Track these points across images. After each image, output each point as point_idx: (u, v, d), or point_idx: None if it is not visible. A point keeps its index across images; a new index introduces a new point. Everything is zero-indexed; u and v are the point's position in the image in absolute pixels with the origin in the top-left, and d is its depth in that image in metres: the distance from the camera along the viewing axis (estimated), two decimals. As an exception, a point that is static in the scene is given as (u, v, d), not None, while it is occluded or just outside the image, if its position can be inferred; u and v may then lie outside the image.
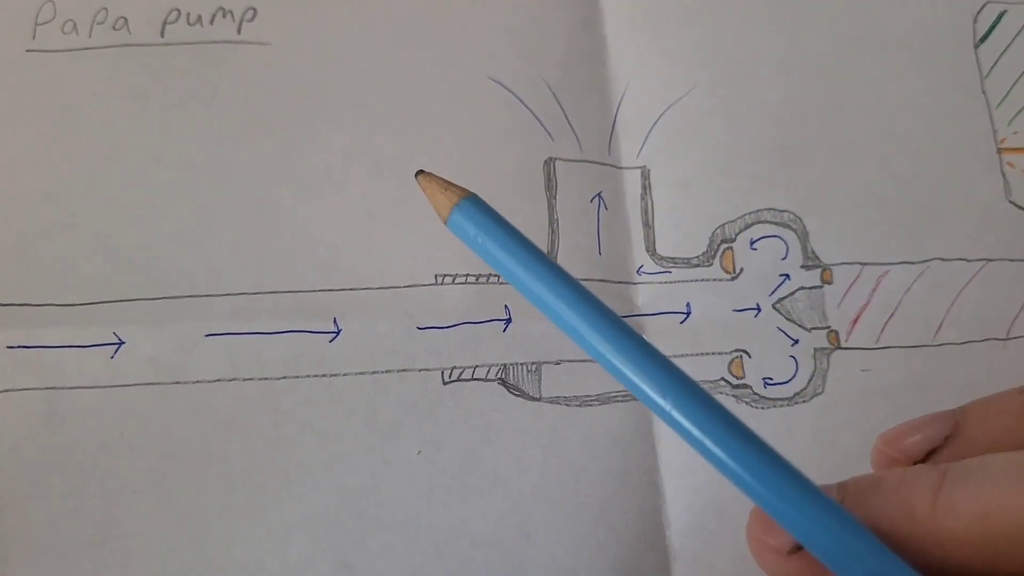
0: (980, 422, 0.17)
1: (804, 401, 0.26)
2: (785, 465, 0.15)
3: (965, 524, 0.14)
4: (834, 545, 0.14)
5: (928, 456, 0.17)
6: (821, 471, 0.16)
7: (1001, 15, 0.30)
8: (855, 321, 0.27)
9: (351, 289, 0.27)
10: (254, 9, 0.30)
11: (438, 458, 0.25)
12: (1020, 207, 0.29)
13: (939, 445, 0.17)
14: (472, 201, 0.19)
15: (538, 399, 0.26)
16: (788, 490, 0.14)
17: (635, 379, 0.16)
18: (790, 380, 0.27)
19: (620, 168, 0.29)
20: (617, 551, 0.25)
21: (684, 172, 0.29)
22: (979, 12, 0.30)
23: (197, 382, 0.26)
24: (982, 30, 0.30)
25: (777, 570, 0.16)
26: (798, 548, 0.15)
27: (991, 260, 0.28)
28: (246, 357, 0.26)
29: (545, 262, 0.18)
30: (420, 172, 0.20)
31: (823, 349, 0.27)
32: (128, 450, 0.25)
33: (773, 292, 0.28)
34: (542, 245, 0.28)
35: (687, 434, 0.15)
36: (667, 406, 0.15)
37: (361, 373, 0.26)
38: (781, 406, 0.26)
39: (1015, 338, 0.27)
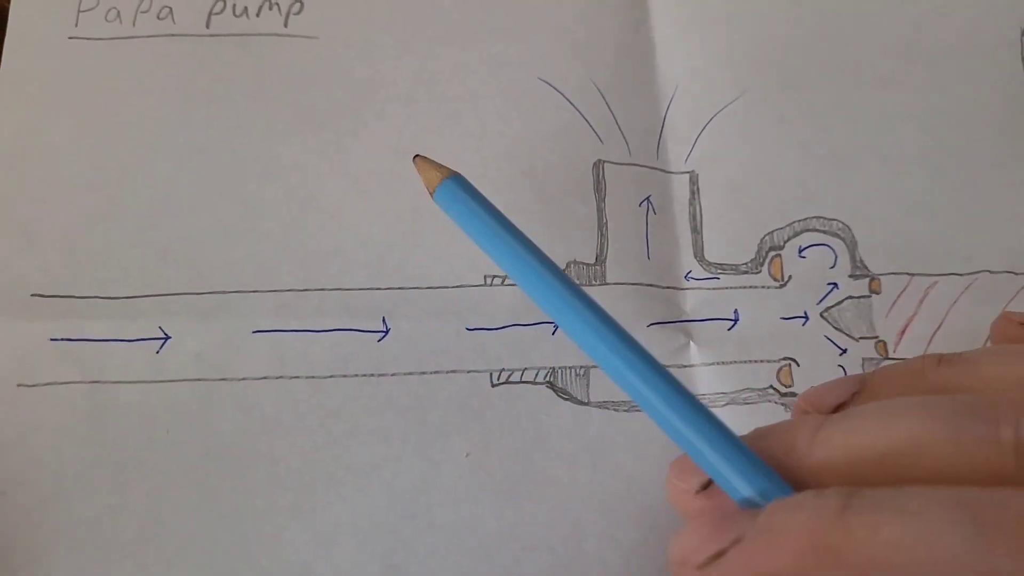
0: (882, 381, 0.19)
1: (854, 411, 0.26)
2: (701, 407, 0.17)
3: (835, 454, 0.16)
4: (730, 470, 0.16)
5: (837, 410, 0.19)
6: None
7: (1047, 29, 0.31)
8: (903, 332, 0.27)
9: (400, 288, 0.26)
10: (300, 2, 0.29)
11: (487, 461, 0.25)
12: (1065, 221, 0.29)
13: (847, 400, 0.19)
14: (456, 180, 0.21)
15: (587, 403, 0.26)
16: (703, 425, 0.17)
17: (586, 334, 0.18)
18: (839, 389, 0.27)
19: (669, 172, 0.29)
20: (666, 558, 0.25)
21: (733, 178, 0.28)
22: (1026, 25, 0.30)
23: (243, 379, 0.25)
24: (1029, 43, 0.30)
25: (688, 508, 0.18)
26: (705, 486, 0.17)
27: (1037, 273, 0.28)
28: (293, 355, 0.25)
29: (517, 236, 0.20)
30: (417, 156, 0.22)
31: (871, 359, 0.27)
32: (173, 447, 0.25)
33: (821, 301, 0.28)
34: (591, 248, 0.27)
35: (624, 381, 0.18)
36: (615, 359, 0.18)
37: (409, 373, 0.26)
38: (832, 415, 0.26)
39: (1061, 352, 0.28)
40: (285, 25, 0.29)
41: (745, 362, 0.27)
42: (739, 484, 0.16)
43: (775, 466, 0.16)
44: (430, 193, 0.22)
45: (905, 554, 0.13)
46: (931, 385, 0.17)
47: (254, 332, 0.26)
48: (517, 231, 0.20)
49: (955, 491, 0.13)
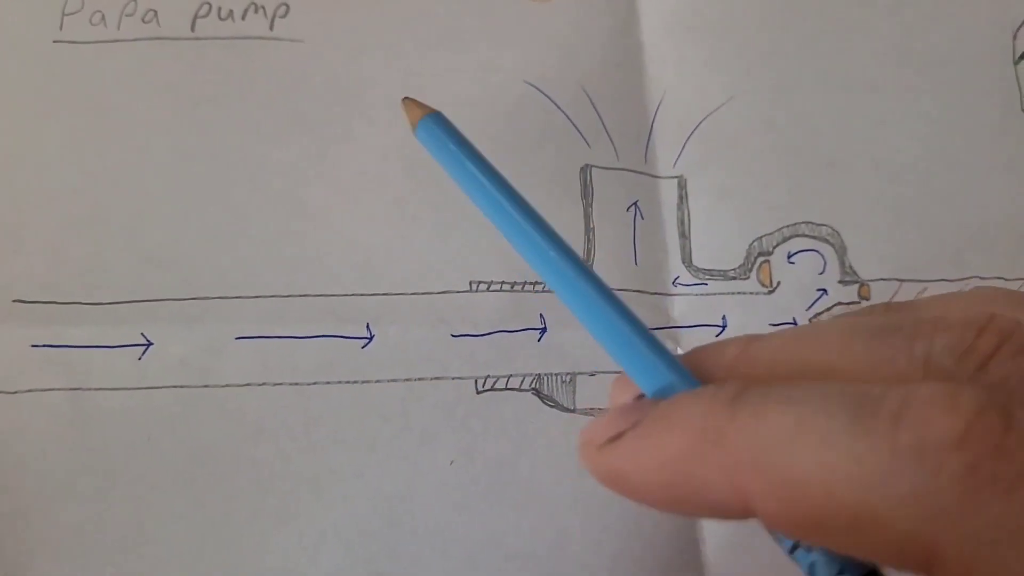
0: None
1: (842, 418, 0.26)
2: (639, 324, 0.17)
3: (757, 369, 0.16)
4: (644, 365, 0.17)
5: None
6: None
7: (1040, 32, 0.30)
8: (892, 338, 0.27)
9: (385, 294, 0.26)
10: (287, 5, 0.29)
11: (471, 468, 0.25)
12: (1056, 226, 0.29)
13: None
14: (435, 118, 0.22)
15: (572, 410, 0.26)
16: (629, 328, 0.17)
17: (540, 258, 0.19)
18: (827, 396, 0.26)
19: (657, 177, 0.28)
20: (652, 565, 0.25)
21: (721, 183, 0.28)
22: (1019, 29, 0.30)
23: (227, 386, 0.25)
24: (1022, 47, 0.30)
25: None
26: (638, 399, 0.17)
27: (1026, 279, 0.28)
28: (277, 361, 0.25)
29: (486, 170, 0.21)
30: (405, 98, 0.22)
31: (860, 365, 0.27)
32: (156, 454, 0.24)
33: (810, 307, 0.27)
34: (578, 252, 0.27)
35: (575, 306, 0.18)
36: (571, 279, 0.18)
37: (394, 380, 0.26)
38: (819, 423, 0.26)
39: (1051, 358, 0.27)
40: (271, 28, 0.29)
41: (733, 368, 0.27)
42: (652, 378, 0.16)
43: (702, 377, 0.17)
44: (412, 129, 0.22)
45: (780, 436, 0.13)
46: None
47: (237, 338, 0.25)
48: (488, 165, 0.21)
49: (842, 385, 0.13)
